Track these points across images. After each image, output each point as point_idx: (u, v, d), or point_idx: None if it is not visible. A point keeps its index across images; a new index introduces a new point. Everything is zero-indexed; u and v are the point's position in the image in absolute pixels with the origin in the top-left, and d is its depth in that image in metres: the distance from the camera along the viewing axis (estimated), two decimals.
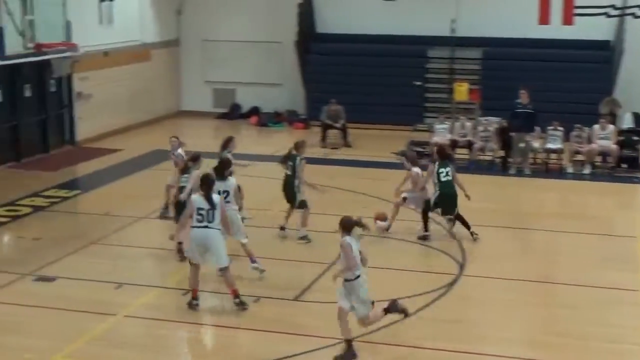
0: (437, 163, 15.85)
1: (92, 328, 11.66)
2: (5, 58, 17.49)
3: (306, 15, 28.00)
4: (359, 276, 10.85)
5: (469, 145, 22.36)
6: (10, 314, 12.19)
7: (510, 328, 12.02)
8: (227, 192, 13.34)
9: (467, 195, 15.67)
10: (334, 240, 15.46)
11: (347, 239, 10.94)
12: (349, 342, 10.88)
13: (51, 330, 11.62)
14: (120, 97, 26.28)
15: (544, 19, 26.42)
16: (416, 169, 16.15)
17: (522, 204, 19.15)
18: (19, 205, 17.92)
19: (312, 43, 28.01)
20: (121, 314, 12.18)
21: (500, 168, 21.86)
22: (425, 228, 15.83)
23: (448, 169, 15.75)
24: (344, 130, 24.91)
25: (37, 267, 14.01)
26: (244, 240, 13.67)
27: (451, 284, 13.52)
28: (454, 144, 22.49)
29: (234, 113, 29.38)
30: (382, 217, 15.88)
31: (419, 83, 27.04)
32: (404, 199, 16.15)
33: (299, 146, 15.80)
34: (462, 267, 14.34)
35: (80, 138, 24.37)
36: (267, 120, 28.31)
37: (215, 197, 12.28)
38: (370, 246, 15.39)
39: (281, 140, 25.41)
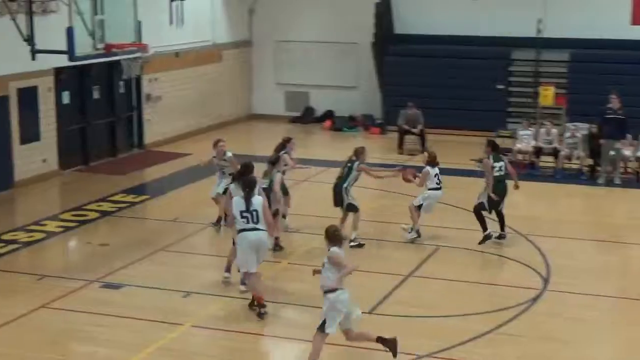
0: (491, 157, 15.98)
1: (159, 338, 11.81)
2: (75, 59, 17.80)
3: (384, 15, 27.98)
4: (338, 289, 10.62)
5: (555, 152, 22.09)
6: (76, 322, 12.42)
7: (597, 348, 11.83)
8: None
9: (516, 186, 16.00)
10: (410, 250, 15.53)
11: (336, 249, 10.80)
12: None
13: (117, 339, 11.81)
14: (189, 100, 26.61)
15: (637, 18, 25.94)
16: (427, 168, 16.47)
17: (611, 215, 18.84)
18: (86, 210, 18.26)
19: (389, 44, 27.97)
20: (188, 324, 12.31)
21: (589, 177, 21.55)
22: (484, 227, 15.89)
23: (501, 163, 16.03)
24: (422, 135, 24.82)
25: (103, 273, 14.26)
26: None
27: (535, 299, 13.36)
28: (539, 152, 22.25)
29: (307, 117, 29.48)
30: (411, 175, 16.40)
31: (502, 87, 26.81)
32: (418, 207, 16.18)
33: (358, 152, 16.25)
34: (546, 281, 14.16)
35: (149, 141, 24.74)
36: (342, 124, 28.35)
37: (256, 199, 12.47)
38: (446, 257, 15.36)
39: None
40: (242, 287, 13.37)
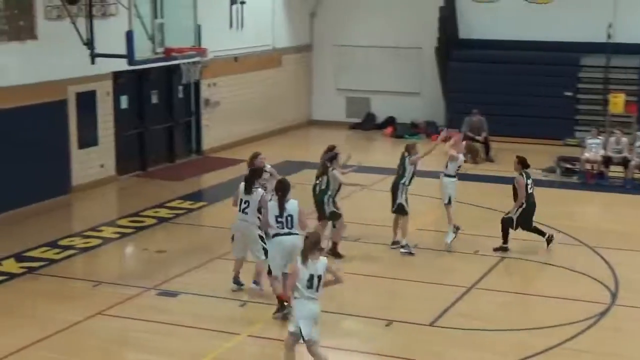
0: (524, 175, 15.89)
1: (215, 347, 11.87)
2: (134, 63, 18.01)
3: (448, 19, 27.87)
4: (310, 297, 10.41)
5: (625, 162, 21.79)
6: (131, 329, 12.56)
7: None
8: (247, 203, 13.41)
9: None
10: (473, 261, 15.43)
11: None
12: None
13: (173, 348, 11.90)
14: (248, 105, 26.75)
15: None
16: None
17: None
18: (143, 216, 18.46)
19: (453, 49, 27.85)
20: (245, 334, 12.36)
21: None
22: (505, 240, 15.96)
23: (531, 180, 16.03)
24: (486, 143, 24.66)
25: (160, 281, 14.39)
26: (262, 257, 13.47)
27: (602, 314, 13.18)
28: (608, 161, 21.97)
29: (367, 123, 29.47)
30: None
31: (569, 93, 26.53)
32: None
33: (409, 147, 16.34)
34: (614, 295, 13.97)
35: (207, 147, 24.92)
36: (403, 131, 28.28)
37: (290, 204, 12.61)
38: (509, 269, 15.23)
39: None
40: (254, 286, 13.77)
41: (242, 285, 14.00)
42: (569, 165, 22.42)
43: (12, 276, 14.65)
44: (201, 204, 19.66)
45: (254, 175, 13.69)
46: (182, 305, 13.48)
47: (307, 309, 10.30)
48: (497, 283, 14.53)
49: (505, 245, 16.04)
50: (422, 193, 19.00)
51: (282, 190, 12.65)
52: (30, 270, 14.97)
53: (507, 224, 16.06)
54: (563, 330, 12.43)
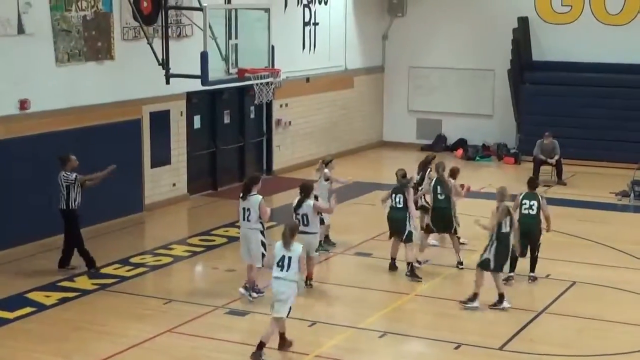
0: (522, 193, 15.47)
1: None
2: (208, 83, 18.19)
3: (521, 41, 27.68)
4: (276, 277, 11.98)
5: None
6: (200, 347, 12.62)
7: None
8: (249, 210, 14.17)
9: (548, 229, 15.58)
10: (545, 285, 15.23)
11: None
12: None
13: None
14: (319, 126, 26.84)
15: None
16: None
17: None
18: (213, 235, 18.60)
19: (526, 71, 27.64)
20: (313, 354, 12.35)
21: None
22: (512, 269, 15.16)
23: (534, 202, 15.31)
24: (558, 166, 24.38)
25: (229, 299, 14.46)
26: (259, 265, 14.24)
27: None
28: None
29: (438, 145, 29.35)
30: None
31: None
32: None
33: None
34: None
35: (277, 167, 25.03)
36: (474, 153, 28.11)
37: (306, 204, 14.24)
38: (583, 294, 14.99)
39: (489, 176, 25.19)
40: (251, 294, 14.35)
41: (262, 292, 14.42)
42: None
43: (85, 292, 14.86)
44: (271, 223, 19.67)
45: (251, 182, 14.47)
46: (250, 324, 13.52)
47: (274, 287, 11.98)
48: (569, 307, 14.32)
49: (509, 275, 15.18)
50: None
51: (304, 190, 14.53)
52: (103, 286, 15.17)
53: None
54: (638, 358, 12.18)
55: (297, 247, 12.01)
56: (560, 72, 27.40)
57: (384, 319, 13.85)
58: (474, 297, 14.08)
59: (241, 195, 14.33)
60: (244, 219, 14.34)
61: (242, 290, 14.56)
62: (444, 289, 15.19)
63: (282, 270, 11.93)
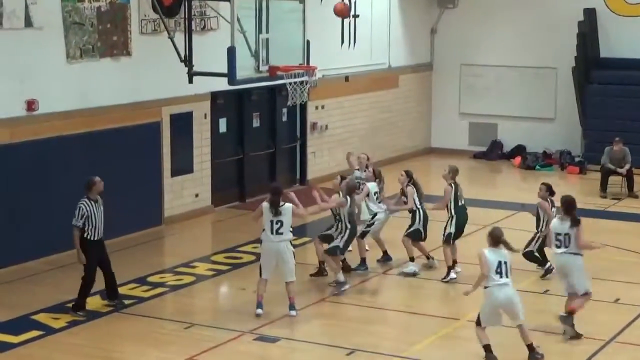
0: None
1: None
2: (235, 82, 18.19)
3: (588, 36, 27.55)
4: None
5: None
6: None
7: None
8: (280, 222, 14.78)
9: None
10: (613, 311, 15.11)
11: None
12: None
13: None
14: (360, 130, 26.86)
15: None
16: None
17: None
18: (240, 251, 18.64)
19: (594, 69, 27.50)
20: None
21: None
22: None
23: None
24: (629, 176, 24.20)
25: (258, 324, 14.48)
26: (293, 279, 15.04)
27: None
28: None
29: (493, 152, 29.26)
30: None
31: None
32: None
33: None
34: None
35: (312, 176, 25.02)
36: (534, 162, 27.98)
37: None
38: None
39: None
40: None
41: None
42: None
43: (97, 315, 14.93)
44: (305, 239, 19.70)
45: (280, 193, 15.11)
46: (282, 352, 13.53)
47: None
48: None
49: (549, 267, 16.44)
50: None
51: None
52: (117, 308, 15.24)
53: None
54: None
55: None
56: (632, 70, 27.23)
57: (431, 346, 13.80)
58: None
59: (273, 211, 14.72)
60: (272, 233, 14.70)
61: (292, 312, 14.88)
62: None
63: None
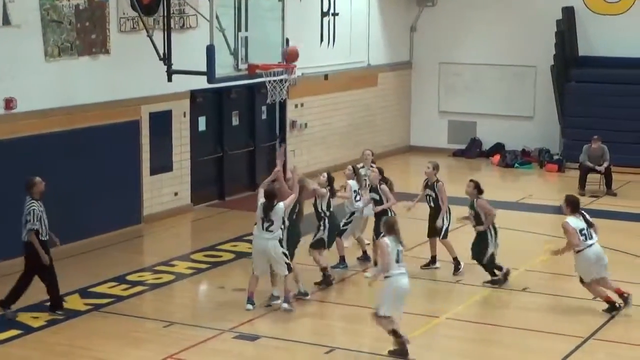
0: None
1: None
2: (214, 81, 18.20)
3: (566, 34, 27.64)
4: None
5: None
6: None
7: None
8: (271, 222, 14.83)
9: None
10: (591, 309, 15.19)
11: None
12: None
13: None
14: (338, 129, 26.87)
15: None
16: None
17: None
18: (220, 250, 18.64)
19: (572, 68, 27.60)
20: None
21: None
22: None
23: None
24: (608, 174, 24.30)
25: (238, 322, 14.48)
26: (285, 273, 15.00)
27: None
28: None
29: (472, 150, 29.33)
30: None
31: None
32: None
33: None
34: None
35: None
36: (513, 160, 28.07)
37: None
38: (636, 319, 14.94)
39: (530, 185, 25.20)
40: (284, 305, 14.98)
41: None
42: None
43: (76, 314, 14.90)
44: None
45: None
46: (261, 350, 13.53)
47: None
48: (621, 334, 14.26)
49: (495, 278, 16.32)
50: (532, 230, 18.90)
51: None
52: (97, 307, 15.22)
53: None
54: None
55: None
56: (610, 68, 27.34)
57: (410, 344, 13.84)
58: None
59: (265, 213, 14.86)
60: (263, 229, 14.87)
61: (285, 305, 14.93)
62: (473, 313, 15.18)
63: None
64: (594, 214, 21.39)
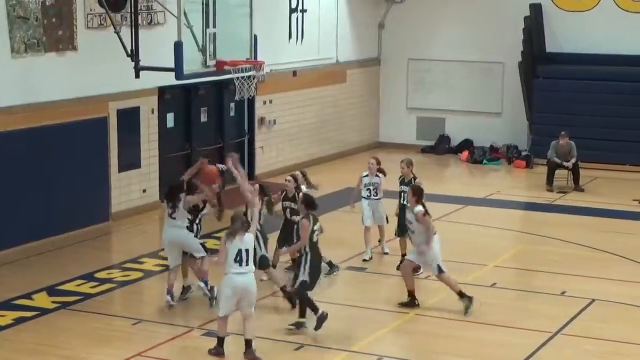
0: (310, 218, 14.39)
1: None
2: (182, 77, 18.15)
3: (533, 30, 27.77)
4: None
5: None
6: None
7: None
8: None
9: None
10: (560, 304, 15.28)
11: None
12: None
13: None
14: (307, 125, 26.88)
15: None
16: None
17: None
18: None
19: (540, 64, 27.72)
20: None
21: None
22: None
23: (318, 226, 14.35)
24: (575, 170, 24.44)
25: (206, 319, 14.46)
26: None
27: None
28: None
29: (441, 146, 29.42)
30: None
31: None
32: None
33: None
34: None
35: (260, 172, 25.02)
36: (481, 156, 28.17)
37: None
38: (602, 313, 15.03)
39: (498, 181, 25.28)
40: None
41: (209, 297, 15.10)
42: None
43: (43, 312, 14.83)
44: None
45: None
46: (231, 347, 13.51)
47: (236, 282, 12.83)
48: (588, 329, 14.35)
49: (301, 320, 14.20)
50: (500, 225, 18.97)
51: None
52: (64, 305, 15.15)
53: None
54: None
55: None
56: (578, 65, 27.48)
57: (380, 340, 13.87)
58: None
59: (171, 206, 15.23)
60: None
61: (201, 284, 15.22)
62: (448, 307, 15.23)
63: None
64: (561, 209, 21.73)
